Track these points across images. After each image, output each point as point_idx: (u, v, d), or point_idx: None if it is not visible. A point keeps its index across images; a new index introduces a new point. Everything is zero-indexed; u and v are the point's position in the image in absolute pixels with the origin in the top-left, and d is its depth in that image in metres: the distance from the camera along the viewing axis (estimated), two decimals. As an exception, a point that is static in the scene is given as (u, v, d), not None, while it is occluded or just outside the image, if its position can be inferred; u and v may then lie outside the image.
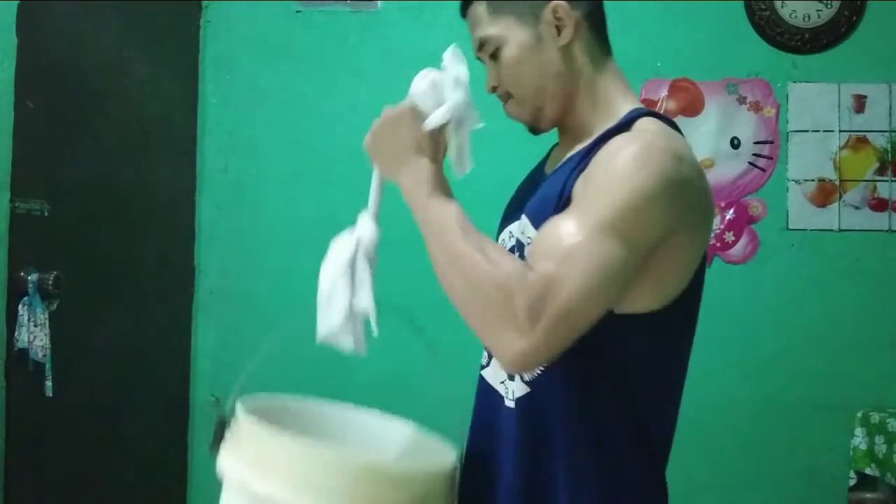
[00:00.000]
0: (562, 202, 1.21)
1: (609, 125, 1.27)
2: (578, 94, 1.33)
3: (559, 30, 1.31)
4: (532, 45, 1.32)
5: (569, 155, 1.31)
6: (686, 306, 1.30)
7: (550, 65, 1.32)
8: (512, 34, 1.33)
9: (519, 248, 1.30)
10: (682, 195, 1.21)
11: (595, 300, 1.13)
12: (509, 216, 1.40)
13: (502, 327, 1.13)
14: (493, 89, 1.38)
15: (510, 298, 1.12)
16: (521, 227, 1.30)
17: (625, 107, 1.32)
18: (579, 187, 1.21)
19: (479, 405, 1.40)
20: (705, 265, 1.32)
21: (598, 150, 1.22)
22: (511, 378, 1.30)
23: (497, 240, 1.40)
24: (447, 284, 1.23)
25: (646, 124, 1.26)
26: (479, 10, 1.36)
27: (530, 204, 1.30)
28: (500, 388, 1.33)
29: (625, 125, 1.25)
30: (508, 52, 1.34)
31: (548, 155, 1.47)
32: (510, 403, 1.30)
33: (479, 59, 1.41)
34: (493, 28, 1.34)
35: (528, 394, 1.27)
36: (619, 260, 1.13)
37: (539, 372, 1.25)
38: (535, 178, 1.42)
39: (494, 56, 1.36)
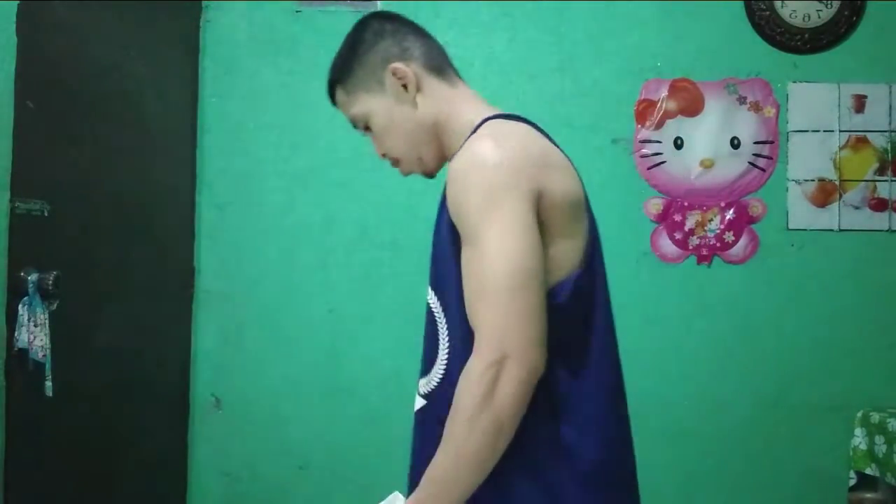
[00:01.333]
0: (442, 238, 1.32)
1: None
2: (444, 132, 1.45)
3: (405, 87, 1.45)
4: (390, 109, 1.45)
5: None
6: (570, 291, 1.29)
7: (410, 118, 1.45)
8: (371, 106, 1.46)
9: (430, 314, 1.38)
10: (508, 185, 1.24)
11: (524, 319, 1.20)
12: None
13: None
14: (383, 156, 1.52)
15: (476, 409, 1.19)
16: (430, 294, 1.39)
17: (474, 126, 1.38)
18: (449, 218, 1.30)
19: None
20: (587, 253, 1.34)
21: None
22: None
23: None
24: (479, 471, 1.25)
25: (473, 140, 1.32)
26: (340, 95, 1.51)
27: (431, 268, 1.39)
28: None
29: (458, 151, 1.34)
30: (376, 122, 1.47)
31: None
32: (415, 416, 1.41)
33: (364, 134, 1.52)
34: (355, 107, 1.48)
35: (423, 406, 1.39)
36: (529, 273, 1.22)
37: (434, 384, 1.35)
38: None
39: (368, 129, 1.50)
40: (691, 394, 2.98)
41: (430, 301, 1.37)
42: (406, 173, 1.52)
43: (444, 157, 1.48)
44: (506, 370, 1.18)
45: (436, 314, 1.35)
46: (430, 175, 1.51)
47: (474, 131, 1.35)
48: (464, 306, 1.25)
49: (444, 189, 1.32)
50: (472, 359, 1.21)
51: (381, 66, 1.46)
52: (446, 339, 1.32)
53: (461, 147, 1.33)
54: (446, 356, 1.32)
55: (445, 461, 1.23)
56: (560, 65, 3.03)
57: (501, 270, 1.20)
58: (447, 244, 1.31)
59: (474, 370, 1.20)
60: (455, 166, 1.29)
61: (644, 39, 3.02)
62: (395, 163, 1.50)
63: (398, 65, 1.45)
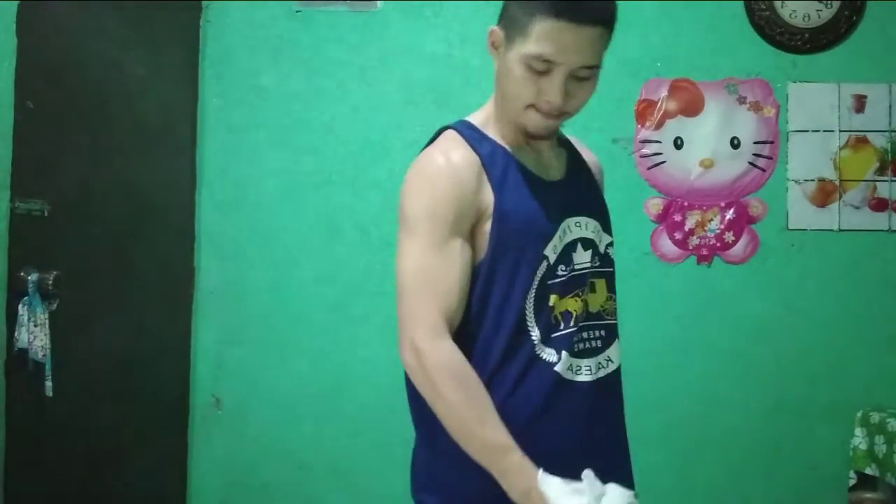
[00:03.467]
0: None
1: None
2: None
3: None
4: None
5: (563, 159, 1.56)
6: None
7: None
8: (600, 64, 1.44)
9: (591, 245, 1.48)
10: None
11: None
12: (568, 207, 1.48)
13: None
14: (560, 106, 1.41)
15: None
16: (594, 228, 1.51)
17: None
18: None
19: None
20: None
21: (582, 158, 1.60)
22: None
23: (558, 231, 1.45)
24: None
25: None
26: (602, 33, 1.40)
27: (593, 205, 1.54)
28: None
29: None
30: (595, 81, 1.44)
31: (496, 153, 1.48)
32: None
33: (541, 71, 1.39)
34: (599, 56, 1.41)
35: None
36: None
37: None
38: (538, 178, 1.48)
39: (582, 79, 1.41)
40: (691, 393, 2.98)
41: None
42: (551, 128, 1.46)
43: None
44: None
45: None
46: (544, 137, 1.49)
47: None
48: None
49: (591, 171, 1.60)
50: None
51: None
52: None
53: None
54: None
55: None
56: (560, 65, 3.03)
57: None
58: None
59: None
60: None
61: (644, 39, 3.02)
62: (559, 116, 1.43)
63: None
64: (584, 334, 1.46)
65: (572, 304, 1.44)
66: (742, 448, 2.96)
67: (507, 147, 1.47)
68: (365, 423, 3.03)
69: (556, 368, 1.41)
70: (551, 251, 1.43)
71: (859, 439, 2.78)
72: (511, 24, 1.40)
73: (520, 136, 1.48)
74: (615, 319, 1.53)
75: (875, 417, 2.74)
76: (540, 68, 1.37)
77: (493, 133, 1.48)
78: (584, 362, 1.44)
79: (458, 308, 1.38)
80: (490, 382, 1.38)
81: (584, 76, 1.40)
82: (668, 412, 2.94)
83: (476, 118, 1.52)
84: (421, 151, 1.48)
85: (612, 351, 1.50)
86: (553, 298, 1.41)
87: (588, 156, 1.63)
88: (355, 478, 3.02)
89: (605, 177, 1.68)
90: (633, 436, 1.53)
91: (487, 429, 1.32)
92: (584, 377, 1.43)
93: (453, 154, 1.42)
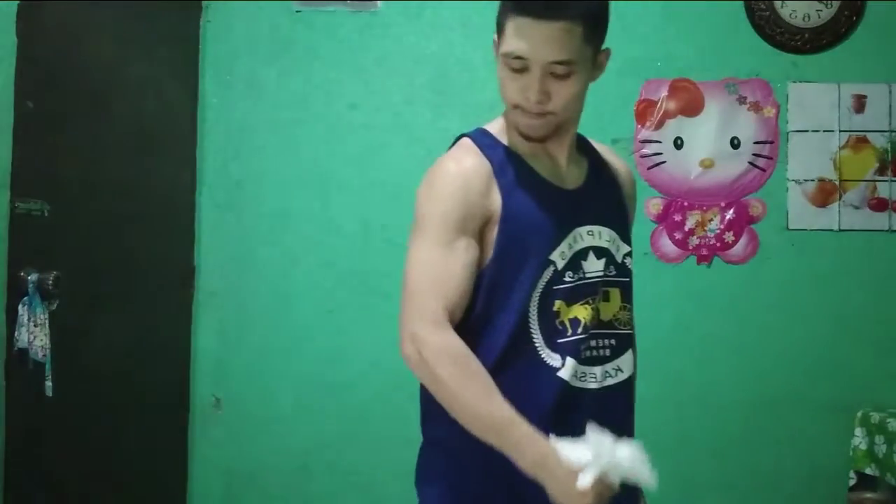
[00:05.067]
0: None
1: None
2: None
3: (599, 72, 1.48)
4: (586, 81, 1.45)
5: (583, 167, 1.56)
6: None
7: (584, 98, 1.48)
8: (581, 63, 1.41)
9: (605, 254, 1.49)
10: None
11: None
12: (581, 216, 1.49)
13: None
14: (538, 103, 1.42)
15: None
16: (610, 237, 1.52)
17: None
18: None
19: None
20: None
21: (609, 170, 1.60)
22: None
23: (567, 238, 1.46)
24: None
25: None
26: (577, 30, 1.39)
27: (611, 215, 1.55)
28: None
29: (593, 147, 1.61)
30: (576, 80, 1.42)
31: (510, 159, 1.49)
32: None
33: (519, 70, 1.41)
34: (575, 52, 1.39)
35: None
36: None
37: None
38: (550, 185, 1.49)
39: (561, 77, 1.40)
40: (691, 394, 2.98)
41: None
42: (537, 128, 1.45)
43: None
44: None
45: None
46: (541, 139, 1.49)
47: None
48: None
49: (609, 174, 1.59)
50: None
51: (602, 43, 1.46)
52: None
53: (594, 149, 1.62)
54: None
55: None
56: (560, 65, 3.03)
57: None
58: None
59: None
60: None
61: (644, 39, 3.02)
62: (542, 115, 1.43)
63: (608, 51, 1.48)
64: (594, 342, 1.46)
65: (581, 312, 1.44)
66: (742, 448, 2.95)
67: (521, 154, 1.49)
68: (365, 422, 3.03)
69: (560, 374, 1.41)
70: (558, 257, 1.44)
71: (859, 439, 2.78)
72: (497, 28, 1.45)
73: (533, 143, 1.49)
74: (630, 329, 1.54)
75: (875, 417, 2.74)
76: (516, 66, 1.40)
77: (508, 140, 1.50)
78: (591, 370, 1.45)
79: (460, 303, 1.40)
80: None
81: (561, 73, 1.40)
82: (668, 412, 2.94)
83: (493, 126, 1.53)
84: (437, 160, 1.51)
85: (622, 360, 1.50)
86: (558, 304, 1.43)
87: (619, 164, 1.64)
88: (355, 478, 3.02)
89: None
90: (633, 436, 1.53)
91: (493, 405, 1.33)
92: (589, 384, 1.44)
93: (465, 161, 1.45)
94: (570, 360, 1.42)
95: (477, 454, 1.37)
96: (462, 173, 1.44)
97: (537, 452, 1.31)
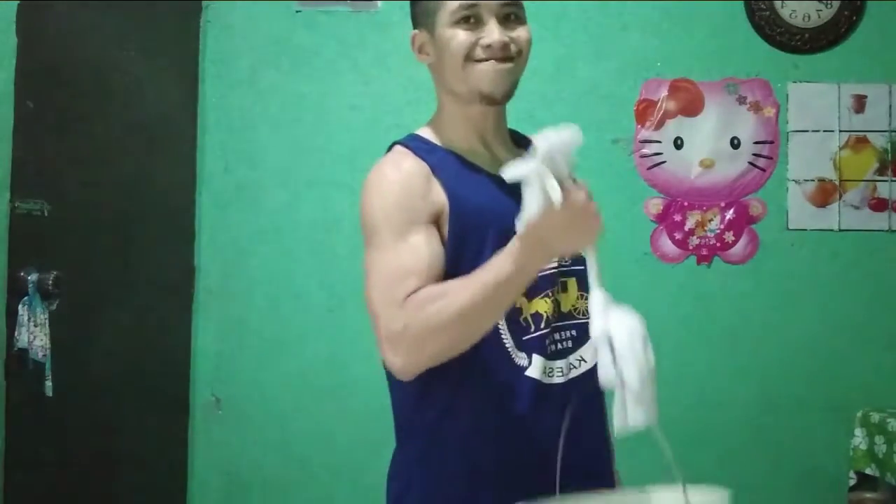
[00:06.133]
0: None
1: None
2: None
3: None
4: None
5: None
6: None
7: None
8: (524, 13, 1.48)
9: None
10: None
11: None
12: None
13: None
14: (505, 46, 1.43)
15: None
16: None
17: None
18: None
19: None
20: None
21: None
22: None
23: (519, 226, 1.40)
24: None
25: None
26: None
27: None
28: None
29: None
30: (527, 28, 1.46)
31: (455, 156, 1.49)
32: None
33: (471, 21, 1.43)
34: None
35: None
36: None
37: None
38: (494, 177, 1.44)
39: (512, 22, 1.45)
40: (691, 394, 2.98)
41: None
42: (506, 78, 1.45)
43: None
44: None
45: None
46: (499, 101, 1.49)
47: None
48: None
49: None
50: None
51: None
52: None
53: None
54: None
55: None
56: (560, 65, 3.03)
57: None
58: None
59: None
60: None
61: (644, 39, 3.02)
62: (508, 60, 1.44)
63: None
64: (557, 335, 1.44)
65: (542, 306, 1.41)
66: (742, 448, 2.96)
67: (458, 152, 1.48)
68: (365, 422, 3.02)
69: (528, 373, 1.39)
70: None
71: (859, 439, 2.78)
72: (424, 14, 1.47)
73: (473, 138, 1.49)
74: (588, 318, 1.46)
75: (875, 417, 2.74)
76: (469, 13, 1.42)
77: (443, 142, 1.50)
78: (557, 364, 1.42)
79: (432, 273, 1.35)
80: (461, 385, 1.39)
81: (513, 17, 1.44)
82: (667, 412, 2.93)
83: (424, 131, 1.54)
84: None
85: (584, 350, 1.46)
86: (519, 299, 1.38)
87: None
88: (355, 477, 3.01)
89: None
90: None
91: (476, 278, 1.29)
92: (556, 379, 1.42)
93: (402, 163, 1.45)
94: (536, 358, 1.39)
95: (460, 459, 1.37)
96: (401, 177, 1.42)
97: (521, 248, 1.26)
